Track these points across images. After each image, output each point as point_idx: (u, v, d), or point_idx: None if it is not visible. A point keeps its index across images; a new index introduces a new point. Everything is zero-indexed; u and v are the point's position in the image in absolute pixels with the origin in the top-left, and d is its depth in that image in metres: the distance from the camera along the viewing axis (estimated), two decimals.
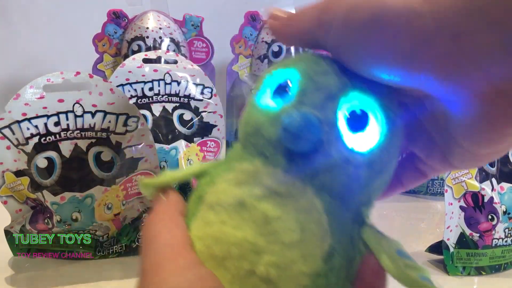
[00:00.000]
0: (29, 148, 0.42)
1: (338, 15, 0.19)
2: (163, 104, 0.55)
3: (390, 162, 0.20)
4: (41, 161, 0.42)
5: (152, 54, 0.55)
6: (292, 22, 0.21)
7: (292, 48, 0.68)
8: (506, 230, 0.45)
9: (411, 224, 0.55)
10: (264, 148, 0.20)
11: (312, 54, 0.22)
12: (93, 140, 0.43)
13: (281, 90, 0.21)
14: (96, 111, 0.43)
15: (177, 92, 0.55)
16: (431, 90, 0.18)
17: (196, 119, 0.56)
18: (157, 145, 0.51)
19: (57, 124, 0.42)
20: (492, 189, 0.45)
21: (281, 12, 0.22)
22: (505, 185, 0.46)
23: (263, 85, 0.22)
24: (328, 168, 0.19)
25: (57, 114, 0.42)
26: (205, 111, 0.56)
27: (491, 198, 0.45)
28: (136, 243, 0.46)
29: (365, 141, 0.19)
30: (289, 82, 0.21)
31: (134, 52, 0.64)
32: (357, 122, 0.19)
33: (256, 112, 0.21)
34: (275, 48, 0.68)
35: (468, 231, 0.45)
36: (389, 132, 0.20)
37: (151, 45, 0.64)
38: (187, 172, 0.23)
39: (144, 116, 0.53)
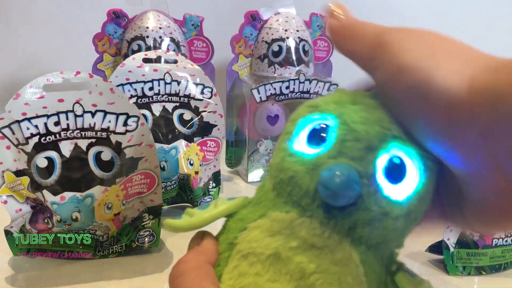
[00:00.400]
0: (29, 147, 0.42)
1: (387, 65, 0.19)
2: (163, 103, 0.55)
3: (424, 209, 0.20)
4: (41, 161, 0.42)
5: (152, 54, 0.55)
6: (351, 33, 0.21)
7: (292, 48, 0.68)
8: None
9: None
10: (300, 198, 0.19)
11: (349, 95, 0.21)
12: (93, 140, 0.43)
13: (316, 135, 0.20)
14: (96, 111, 0.43)
15: (177, 91, 0.55)
16: (452, 165, 0.19)
17: (196, 119, 0.56)
18: (157, 145, 0.50)
19: (57, 123, 0.42)
20: None
21: (342, 11, 0.22)
22: None
23: (297, 128, 0.21)
24: (366, 222, 0.19)
25: (57, 113, 0.42)
26: (205, 111, 0.56)
27: None
28: (136, 243, 0.46)
29: (403, 190, 0.19)
30: (326, 129, 0.20)
31: (134, 52, 0.64)
32: (395, 171, 0.19)
33: (291, 159, 0.20)
34: (275, 47, 0.68)
35: (468, 231, 0.45)
36: (427, 180, 0.19)
37: (151, 45, 0.64)
38: (215, 213, 0.22)
39: (144, 116, 0.53)
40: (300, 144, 0.20)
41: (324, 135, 0.20)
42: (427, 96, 0.18)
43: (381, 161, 0.19)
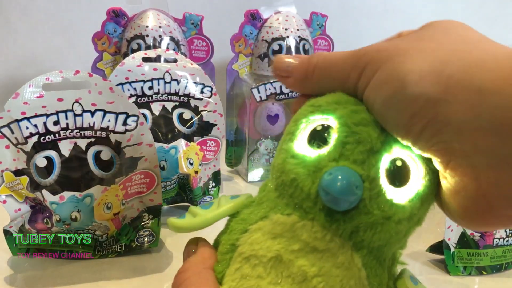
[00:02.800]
0: (28, 147, 0.41)
1: (368, 76, 0.19)
2: (163, 103, 0.55)
3: (427, 210, 0.20)
4: (40, 161, 0.42)
5: (151, 53, 0.55)
6: (321, 72, 0.22)
7: (293, 47, 0.68)
8: (507, 230, 0.45)
9: None
10: (302, 201, 0.19)
11: (350, 96, 0.21)
12: (93, 139, 0.43)
13: (317, 136, 0.20)
14: (96, 110, 0.43)
15: (177, 91, 0.55)
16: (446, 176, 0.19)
17: (196, 118, 0.56)
18: (157, 144, 0.50)
19: (56, 123, 0.42)
20: None
21: (285, 60, 0.23)
22: None
23: (298, 129, 0.21)
24: (369, 225, 0.19)
25: (57, 113, 0.42)
26: (205, 110, 0.56)
27: None
28: (136, 243, 0.46)
29: (406, 193, 0.19)
30: (327, 129, 0.20)
31: (133, 51, 0.64)
32: (398, 174, 0.19)
33: (293, 161, 0.20)
34: (275, 46, 0.68)
35: (469, 231, 0.45)
36: (429, 183, 0.19)
37: (151, 44, 0.64)
38: (218, 213, 0.22)
39: (144, 115, 0.52)
40: (302, 145, 0.20)
41: (326, 136, 0.20)
42: (404, 106, 0.18)
43: (384, 164, 0.19)
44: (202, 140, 0.57)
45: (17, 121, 0.41)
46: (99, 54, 0.67)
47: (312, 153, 0.20)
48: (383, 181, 0.19)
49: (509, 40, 1.01)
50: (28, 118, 0.41)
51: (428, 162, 0.19)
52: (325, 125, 0.20)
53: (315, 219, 0.19)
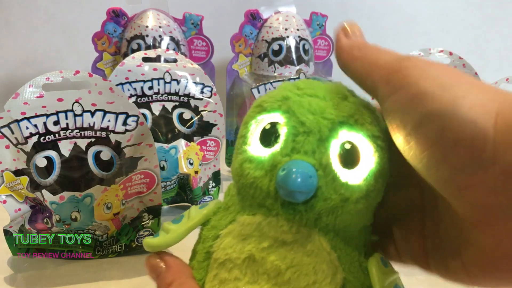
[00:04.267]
0: (28, 147, 0.41)
1: (407, 89, 0.18)
2: (163, 103, 0.55)
3: (384, 184, 0.21)
4: (40, 161, 0.42)
5: (151, 53, 0.55)
6: (362, 55, 0.21)
7: (292, 47, 0.68)
8: None
9: None
10: (264, 199, 0.20)
11: (292, 89, 0.21)
12: (93, 139, 0.43)
13: (268, 134, 0.21)
14: (96, 110, 0.43)
15: (177, 91, 0.55)
16: (462, 207, 0.18)
17: (195, 118, 0.56)
18: (157, 144, 0.50)
19: (56, 123, 0.42)
20: None
21: (357, 31, 0.22)
22: None
23: (249, 131, 0.21)
24: (329, 210, 0.19)
25: (57, 113, 0.42)
26: (205, 110, 0.56)
27: None
28: (136, 243, 0.46)
29: (359, 173, 0.20)
30: (276, 127, 0.20)
31: (133, 51, 0.64)
32: (349, 157, 0.20)
33: (249, 164, 0.21)
34: (275, 46, 0.68)
35: None
36: (379, 159, 0.20)
37: (151, 44, 0.64)
38: (189, 226, 0.22)
39: (144, 115, 0.52)
40: (255, 146, 0.21)
41: (275, 133, 0.20)
42: (449, 126, 0.16)
43: (334, 150, 0.20)
44: (202, 140, 0.57)
45: (17, 121, 0.41)
46: (99, 54, 0.67)
47: (266, 153, 0.20)
48: (336, 166, 0.19)
49: (509, 40, 1.01)
50: (28, 118, 0.41)
51: (375, 139, 0.20)
52: (273, 122, 0.21)
53: (279, 214, 0.20)
